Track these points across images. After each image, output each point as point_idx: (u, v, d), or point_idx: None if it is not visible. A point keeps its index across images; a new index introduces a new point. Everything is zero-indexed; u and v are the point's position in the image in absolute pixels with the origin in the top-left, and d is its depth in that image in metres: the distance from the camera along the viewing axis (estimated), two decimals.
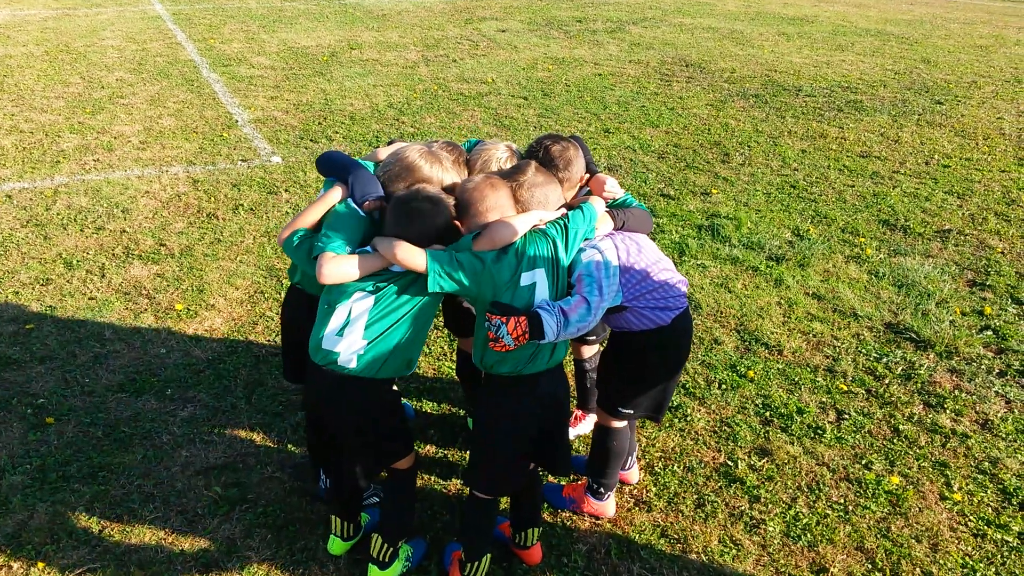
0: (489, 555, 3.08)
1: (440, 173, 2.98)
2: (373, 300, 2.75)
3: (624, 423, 3.31)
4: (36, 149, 7.62)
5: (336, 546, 3.25)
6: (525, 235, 2.80)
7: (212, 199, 6.57)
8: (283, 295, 5.14)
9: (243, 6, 16.59)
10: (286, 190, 6.80)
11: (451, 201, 2.87)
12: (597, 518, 3.47)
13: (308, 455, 3.55)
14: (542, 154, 3.11)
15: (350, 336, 2.74)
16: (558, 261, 2.84)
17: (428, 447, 3.90)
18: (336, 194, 2.94)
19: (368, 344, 2.74)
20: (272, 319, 4.89)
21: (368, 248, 2.79)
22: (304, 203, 6.53)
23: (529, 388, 2.85)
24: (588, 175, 3.23)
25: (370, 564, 3.12)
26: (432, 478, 3.70)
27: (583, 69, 11.68)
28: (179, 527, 3.36)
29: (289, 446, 3.85)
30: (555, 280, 2.83)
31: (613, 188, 3.17)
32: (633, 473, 3.67)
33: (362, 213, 2.88)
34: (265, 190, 6.80)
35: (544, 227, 2.85)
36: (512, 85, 10.58)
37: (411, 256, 2.68)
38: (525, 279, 2.76)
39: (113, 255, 5.60)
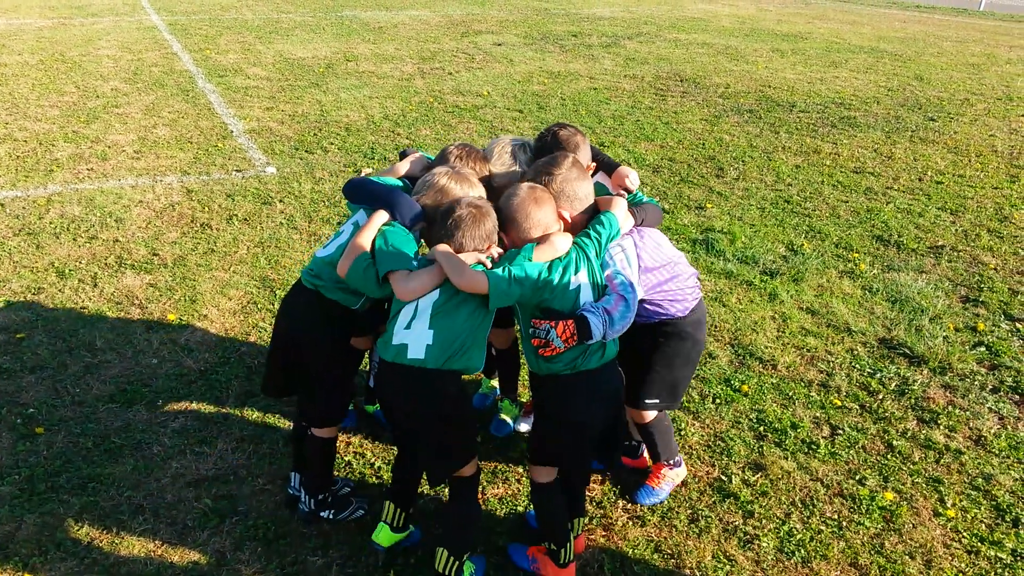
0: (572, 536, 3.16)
1: (469, 190, 3.09)
2: (438, 292, 2.85)
3: (655, 413, 3.51)
4: (30, 158, 7.60)
5: (384, 536, 3.22)
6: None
7: (206, 209, 6.56)
8: (277, 305, 5.12)
9: (239, 17, 16.63)
10: (280, 200, 6.79)
11: (492, 209, 3.00)
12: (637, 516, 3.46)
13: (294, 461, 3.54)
14: (550, 139, 3.31)
15: (417, 328, 2.83)
16: (594, 268, 2.97)
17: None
18: (382, 217, 3.01)
19: (435, 334, 2.81)
20: (265, 330, 4.87)
21: (428, 260, 2.91)
22: (299, 214, 6.52)
23: (592, 383, 2.93)
24: (595, 164, 3.43)
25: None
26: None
27: (578, 83, 11.73)
28: (169, 539, 3.32)
29: (281, 458, 3.82)
30: (595, 282, 2.95)
31: (635, 181, 3.36)
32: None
33: (411, 232, 3.01)
34: (259, 200, 6.78)
35: (576, 239, 2.99)
36: (507, 98, 10.61)
37: (472, 281, 2.78)
38: (572, 283, 2.88)
39: (106, 264, 5.58)
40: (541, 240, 2.91)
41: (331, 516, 3.46)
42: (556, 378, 2.93)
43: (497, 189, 3.27)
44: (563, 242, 2.91)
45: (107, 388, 4.26)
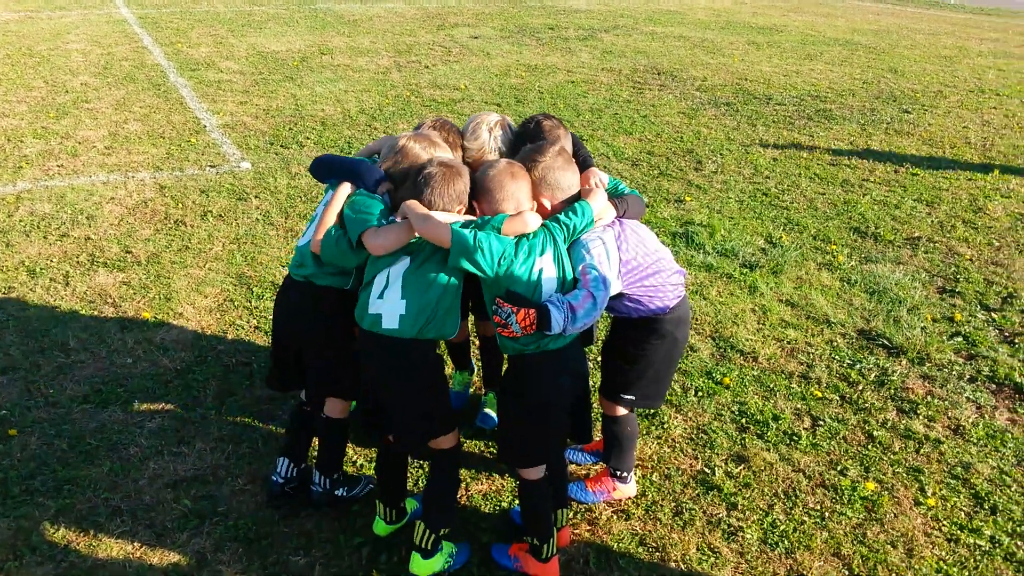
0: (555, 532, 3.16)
1: (433, 152, 3.08)
2: (408, 260, 2.88)
3: (627, 410, 3.44)
4: None
5: (380, 527, 3.33)
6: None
7: (180, 205, 6.46)
8: (254, 302, 5.05)
9: (211, 10, 16.41)
10: (256, 196, 6.71)
11: (466, 170, 2.99)
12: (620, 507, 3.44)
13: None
14: (533, 126, 3.31)
15: (390, 297, 2.86)
16: (561, 252, 2.93)
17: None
18: (346, 189, 3.07)
19: (407, 304, 2.84)
20: (242, 327, 4.81)
21: (396, 219, 2.91)
22: (275, 209, 6.44)
23: (557, 362, 2.93)
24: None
25: (413, 552, 3.11)
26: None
27: (556, 76, 11.70)
28: (147, 541, 3.27)
29: (261, 458, 3.77)
30: (560, 269, 2.92)
31: (603, 180, 3.30)
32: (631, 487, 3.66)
33: (378, 197, 3.02)
34: (234, 196, 6.70)
35: (546, 223, 2.94)
36: (485, 91, 10.56)
37: (435, 231, 2.79)
38: (536, 265, 2.85)
39: (78, 263, 5.48)
40: (513, 215, 2.89)
41: (345, 493, 3.49)
42: (523, 358, 2.93)
43: (471, 165, 3.24)
44: (534, 220, 2.88)
45: (81, 389, 4.18)
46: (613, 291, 3.01)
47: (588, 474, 3.74)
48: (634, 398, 3.38)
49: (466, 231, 2.79)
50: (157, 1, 17.37)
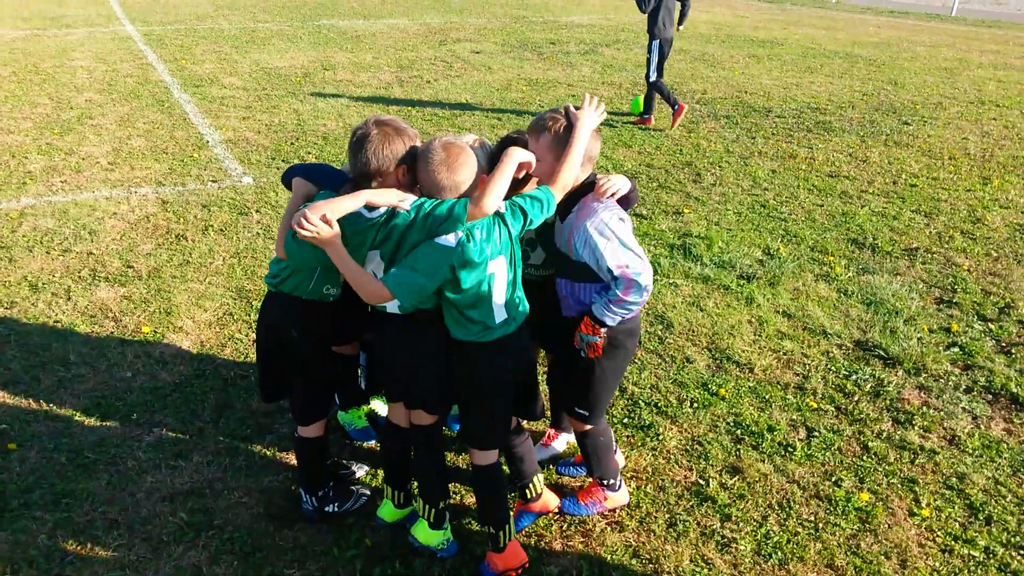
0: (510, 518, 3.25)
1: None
2: (379, 257, 2.92)
3: (602, 421, 3.46)
4: (2, 171, 7.52)
5: (387, 511, 3.45)
6: (492, 219, 2.86)
7: (181, 220, 6.51)
8: (254, 316, 5.09)
9: (215, 27, 16.55)
10: (257, 211, 6.76)
11: (413, 133, 2.91)
12: (609, 519, 3.45)
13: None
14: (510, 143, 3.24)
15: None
16: (514, 250, 2.96)
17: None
18: (301, 186, 3.02)
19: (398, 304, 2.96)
20: (241, 341, 4.84)
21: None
22: (276, 224, 6.49)
23: (501, 347, 2.99)
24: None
25: (420, 519, 3.32)
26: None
27: (557, 90, 11.77)
28: (144, 554, 3.29)
29: (258, 471, 3.79)
30: (513, 268, 2.96)
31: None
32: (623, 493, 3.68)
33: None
34: (236, 211, 6.75)
35: (503, 212, 2.89)
36: (486, 106, 10.63)
37: (373, 290, 2.80)
38: (490, 267, 2.86)
39: (79, 277, 5.53)
40: (477, 195, 2.80)
41: (336, 509, 3.51)
42: (462, 345, 3.00)
43: None
44: (493, 201, 2.79)
45: (81, 402, 4.21)
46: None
47: (581, 486, 3.75)
48: (586, 414, 3.34)
49: (394, 271, 2.80)
50: (162, 18, 17.54)
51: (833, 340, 5.12)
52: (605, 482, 3.55)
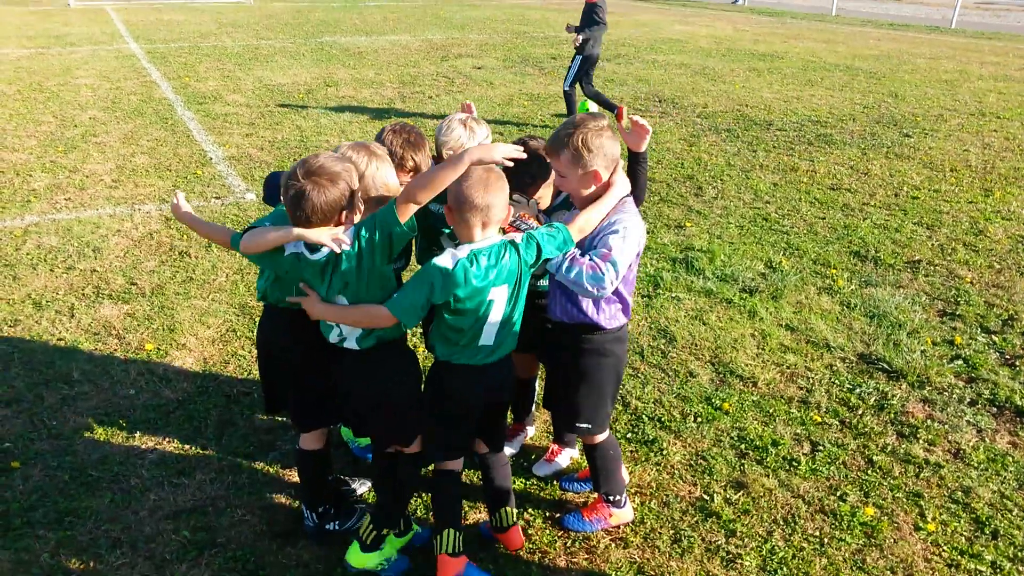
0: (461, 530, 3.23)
1: (373, 162, 3.01)
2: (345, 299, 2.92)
3: (602, 436, 3.43)
4: (7, 188, 7.56)
5: (353, 555, 3.29)
6: (502, 246, 2.85)
7: (185, 237, 6.53)
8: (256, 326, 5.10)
9: (219, 44, 16.66)
10: None
11: (348, 168, 2.79)
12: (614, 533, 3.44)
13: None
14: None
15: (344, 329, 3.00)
16: (521, 281, 2.93)
17: None
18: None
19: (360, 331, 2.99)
20: (244, 357, 4.85)
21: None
22: None
23: (480, 374, 3.00)
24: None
25: (354, 541, 3.26)
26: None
27: (558, 105, 11.81)
28: (147, 573, 3.28)
29: (261, 488, 3.79)
30: (513, 299, 2.94)
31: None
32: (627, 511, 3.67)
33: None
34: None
35: (519, 241, 2.89)
36: (488, 121, 10.65)
37: (375, 316, 2.83)
38: (491, 293, 2.85)
39: (83, 295, 5.54)
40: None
41: (337, 527, 3.49)
42: (438, 363, 3.02)
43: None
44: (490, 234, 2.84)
45: (84, 420, 4.21)
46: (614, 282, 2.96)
47: (585, 502, 3.74)
48: (589, 426, 3.35)
49: (401, 295, 2.81)
50: (166, 36, 17.66)
51: (836, 353, 5.11)
52: (611, 498, 3.53)
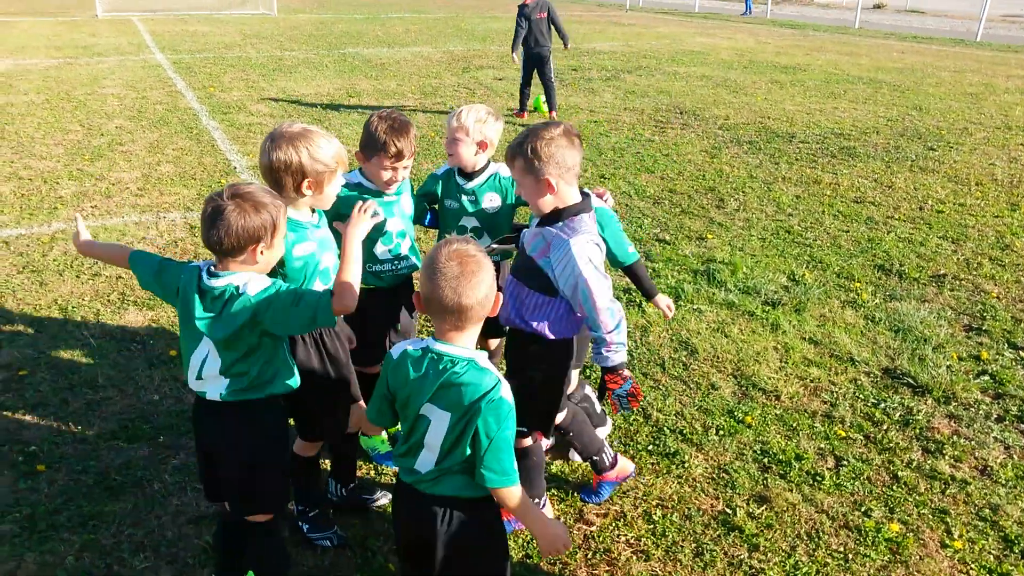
0: None
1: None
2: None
3: (528, 440, 3.43)
4: (34, 196, 7.67)
5: None
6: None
7: None
8: None
9: (243, 55, 16.84)
10: None
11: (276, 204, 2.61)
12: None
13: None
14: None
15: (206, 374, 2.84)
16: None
17: None
18: None
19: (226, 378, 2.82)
20: None
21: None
22: None
23: (410, 498, 2.50)
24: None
25: None
26: None
27: (579, 116, 11.83)
28: None
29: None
30: (455, 429, 2.36)
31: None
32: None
33: None
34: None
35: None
36: (508, 132, 10.70)
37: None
38: (424, 409, 2.38)
39: (108, 301, 5.60)
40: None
41: (305, 530, 3.50)
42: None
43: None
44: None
45: (109, 425, 4.25)
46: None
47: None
48: (524, 429, 3.27)
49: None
50: (191, 47, 17.88)
51: (861, 368, 5.06)
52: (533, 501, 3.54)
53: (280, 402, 2.88)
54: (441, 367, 2.32)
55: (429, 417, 2.35)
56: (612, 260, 3.62)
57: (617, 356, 3.05)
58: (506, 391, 2.33)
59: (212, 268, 2.67)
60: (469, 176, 3.89)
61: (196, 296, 2.64)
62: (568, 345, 3.26)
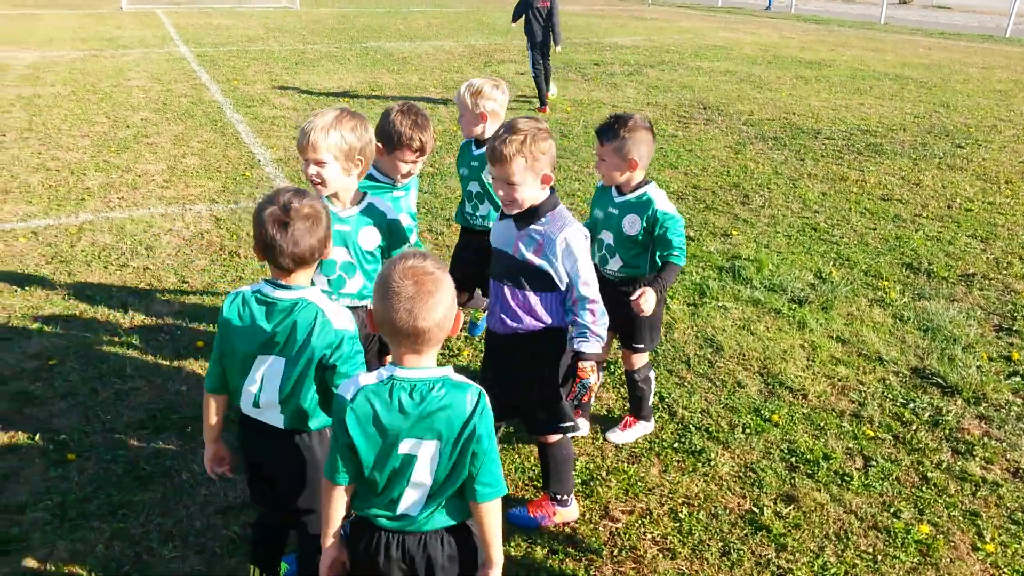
0: None
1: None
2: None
3: (557, 436, 3.47)
4: (62, 187, 7.74)
5: None
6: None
7: (234, 237, 6.62)
8: None
9: (266, 49, 16.91)
10: None
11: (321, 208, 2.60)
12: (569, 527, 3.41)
13: None
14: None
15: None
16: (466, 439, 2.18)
17: None
18: None
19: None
20: None
21: None
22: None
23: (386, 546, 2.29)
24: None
25: None
26: None
27: (601, 111, 11.78)
28: (197, 566, 3.32)
29: None
30: (451, 455, 2.18)
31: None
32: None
33: None
34: None
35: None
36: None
37: None
38: (403, 447, 2.17)
39: (136, 292, 5.64)
40: None
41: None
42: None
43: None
44: None
45: (137, 415, 4.28)
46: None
47: (530, 499, 3.72)
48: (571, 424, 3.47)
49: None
50: (215, 40, 17.97)
51: (889, 367, 5.01)
52: (558, 497, 3.56)
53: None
54: (417, 396, 2.12)
55: (414, 454, 2.15)
56: None
57: (596, 346, 3.15)
58: (486, 397, 2.19)
59: (274, 281, 2.67)
60: (480, 144, 4.39)
61: (259, 310, 2.66)
62: (566, 328, 3.32)
